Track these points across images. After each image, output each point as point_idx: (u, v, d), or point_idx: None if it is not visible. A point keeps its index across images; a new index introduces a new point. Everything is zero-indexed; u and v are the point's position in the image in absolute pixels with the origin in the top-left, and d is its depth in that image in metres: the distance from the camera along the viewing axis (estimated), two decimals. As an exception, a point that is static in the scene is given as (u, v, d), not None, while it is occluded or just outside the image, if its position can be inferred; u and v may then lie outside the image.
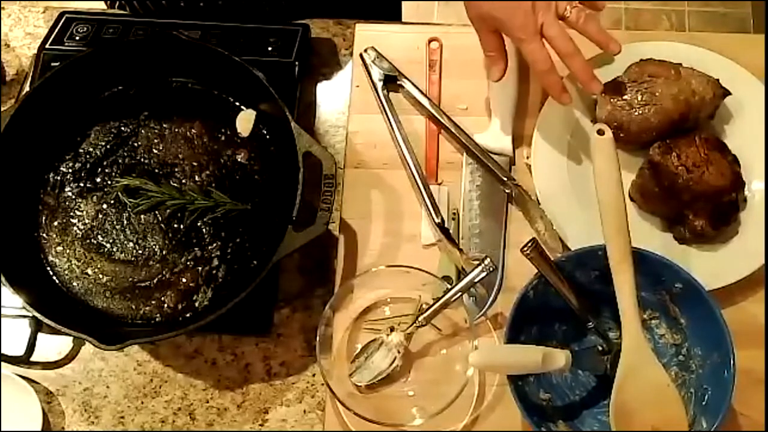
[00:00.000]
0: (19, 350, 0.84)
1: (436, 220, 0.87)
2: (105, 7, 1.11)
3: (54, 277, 0.85)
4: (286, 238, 0.79)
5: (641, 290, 0.77)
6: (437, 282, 0.84)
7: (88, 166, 0.89)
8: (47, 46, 0.96)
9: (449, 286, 0.82)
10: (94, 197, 0.88)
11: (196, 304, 0.84)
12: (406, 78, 0.95)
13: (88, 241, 0.86)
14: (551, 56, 0.83)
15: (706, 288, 0.76)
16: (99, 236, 0.87)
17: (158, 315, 0.84)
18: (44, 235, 0.87)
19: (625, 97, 0.87)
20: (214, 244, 0.86)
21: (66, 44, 0.97)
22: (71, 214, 0.88)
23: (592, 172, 0.77)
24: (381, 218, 0.90)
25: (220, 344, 0.87)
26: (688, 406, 0.77)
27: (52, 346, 0.86)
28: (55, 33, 0.97)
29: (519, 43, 0.83)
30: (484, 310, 0.84)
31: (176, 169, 0.89)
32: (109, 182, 0.88)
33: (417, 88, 0.95)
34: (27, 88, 0.96)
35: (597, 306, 0.82)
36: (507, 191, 0.90)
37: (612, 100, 0.88)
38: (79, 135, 0.91)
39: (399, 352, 0.81)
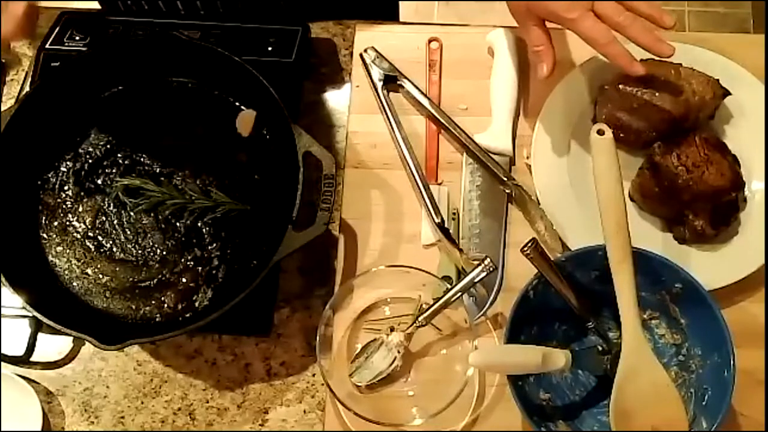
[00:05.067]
0: (19, 350, 0.84)
1: (436, 220, 0.87)
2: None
3: (54, 277, 0.85)
4: (286, 238, 0.79)
5: (641, 290, 0.77)
6: (437, 282, 0.84)
7: (88, 166, 0.89)
8: (47, 46, 0.96)
9: (449, 286, 0.82)
10: (94, 197, 0.88)
11: (196, 304, 0.84)
12: (406, 78, 0.95)
13: (88, 241, 0.86)
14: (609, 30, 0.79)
15: (706, 288, 0.76)
16: (99, 236, 0.87)
17: (158, 315, 0.84)
18: (44, 235, 0.87)
19: (625, 97, 0.87)
20: (214, 244, 0.86)
21: (66, 44, 0.97)
22: (71, 214, 0.88)
23: (592, 172, 0.77)
24: (381, 218, 0.90)
25: (220, 344, 0.87)
26: (688, 406, 0.77)
27: (52, 346, 0.86)
28: (55, 33, 0.97)
29: (572, 24, 0.80)
30: (484, 310, 0.84)
31: (176, 169, 0.89)
32: (109, 182, 0.88)
33: (417, 88, 0.95)
34: (27, 88, 0.95)
35: (597, 306, 0.82)
36: (507, 191, 0.90)
37: (610, 101, 0.88)
38: (79, 135, 0.90)
39: (399, 352, 0.81)
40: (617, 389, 0.74)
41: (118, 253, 0.86)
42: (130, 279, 0.85)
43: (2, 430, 0.81)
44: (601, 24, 0.79)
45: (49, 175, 0.89)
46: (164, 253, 0.86)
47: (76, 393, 0.85)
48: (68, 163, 0.89)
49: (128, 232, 0.87)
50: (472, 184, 0.91)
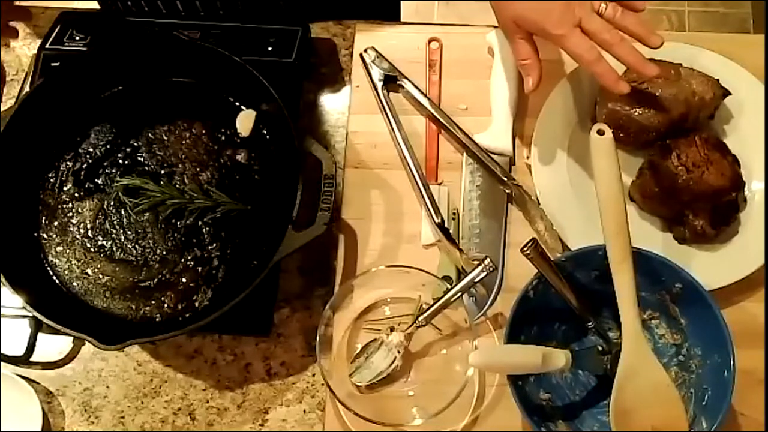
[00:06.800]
0: (19, 350, 0.84)
1: (436, 220, 0.87)
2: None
3: (54, 277, 0.85)
4: (286, 238, 0.79)
5: (641, 290, 0.77)
6: (437, 282, 0.84)
7: (87, 166, 0.89)
8: (47, 46, 0.96)
9: (449, 286, 0.82)
10: (95, 197, 0.88)
11: (196, 304, 0.84)
12: (406, 78, 0.95)
13: (88, 241, 0.86)
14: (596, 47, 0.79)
15: (706, 288, 0.76)
16: (99, 236, 0.87)
17: (158, 315, 0.84)
18: (44, 235, 0.87)
19: (625, 97, 0.87)
20: (214, 244, 0.86)
21: (66, 44, 0.96)
22: (71, 214, 0.88)
23: (592, 172, 0.77)
24: (381, 218, 0.90)
25: (220, 344, 0.87)
26: (688, 406, 0.77)
27: (52, 346, 0.86)
28: (55, 33, 0.97)
29: (559, 40, 0.80)
30: (484, 310, 0.84)
31: (176, 169, 0.89)
32: (109, 182, 0.88)
33: (417, 88, 0.95)
34: (27, 88, 0.95)
35: (597, 306, 0.82)
36: (507, 191, 0.90)
37: (610, 101, 0.88)
38: (79, 135, 0.90)
39: (399, 352, 0.81)
40: (617, 389, 0.74)
41: (118, 253, 0.86)
42: (130, 279, 0.85)
43: (2, 430, 0.81)
44: (588, 41, 0.79)
45: (49, 175, 0.89)
46: (164, 253, 0.86)
47: (76, 393, 0.85)
48: (68, 163, 0.89)
49: (128, 232, 0.87)
50: (472, 184, 0.91)
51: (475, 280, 0.81)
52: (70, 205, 0.88)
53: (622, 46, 0.79)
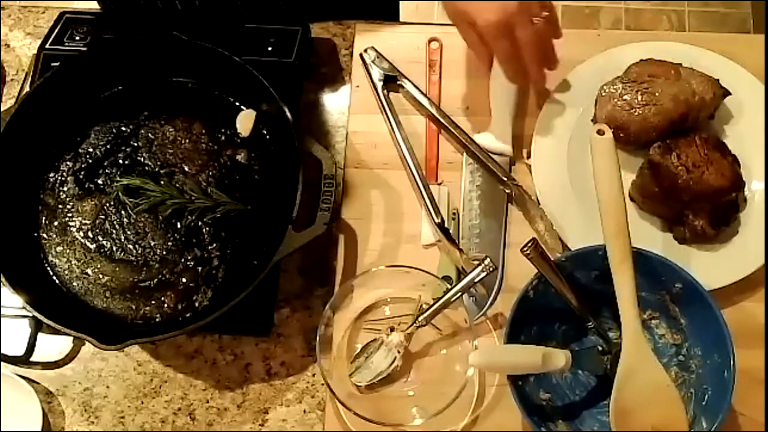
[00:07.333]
0: (19, 350, 0.84)
1: (436, 220, 0.87)
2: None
3: (54, 277, 0.85)
4: (286, 238, 0.79)
5: (641, 290, 0.77)
6: (437, 282, 0.84)
7: (87, 166, 0.89)
8: (47, 46, 0.96)
9: (449, 286, 0.82)
10: (94, 197, 0.88)
11: (196, 304, 0.84)
12: (406, 78, 0.95)
13: (88, 241, 0.86)
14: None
15: (706, 288, 0.76)
16: (99, 236, 0.87)
17: (158, 315, 0.84)
18: (44, 235, 0.87)
19: (625, 97, 0.87)
20: (214, 244, 0.86)
21: (66, 44, 0.97)
22: (71, 214, 0.88)
23: (592, 172, 0.77)
24: (381, 218, 0.90)
25: (220, 344, 0.87)
26: (688, 406, 0.77)
27: (52, 346, 0.86)
28: (55, 33, 0.97)
29: (490, 39, 0.83)
30: (484, 310, 0.84)
31: (176, 169, 0.89)
32: (109, 182, 0.88)
33: (417, 88, 0.95)
34: (27, 88, 0.96)
35: (597, 306, 0.82)
36: (507, 191, 0.90)
37: (610, 101, 0.88)
38: (79, 135, 0.91)
39: (399, 352, 0.81)
40: (617, 389, 0.74)
41: (118, 253, 0.86)
42: (130, 279, 0.85)
43: (2, 430, 0.81)
44: (516, 46, 0.83)
45: (49, 175, 0.89)
46: (164, 253, 0.86)
47: (76, 393, 0.85)
48: (68, 162, 0.89)
49: (128, 232, 0.87)
50: (472, 184, 0.91)
51: (475, 280, 0.81)
52: (70, 205, 0.88)
53: (536, 65, 0.86)
